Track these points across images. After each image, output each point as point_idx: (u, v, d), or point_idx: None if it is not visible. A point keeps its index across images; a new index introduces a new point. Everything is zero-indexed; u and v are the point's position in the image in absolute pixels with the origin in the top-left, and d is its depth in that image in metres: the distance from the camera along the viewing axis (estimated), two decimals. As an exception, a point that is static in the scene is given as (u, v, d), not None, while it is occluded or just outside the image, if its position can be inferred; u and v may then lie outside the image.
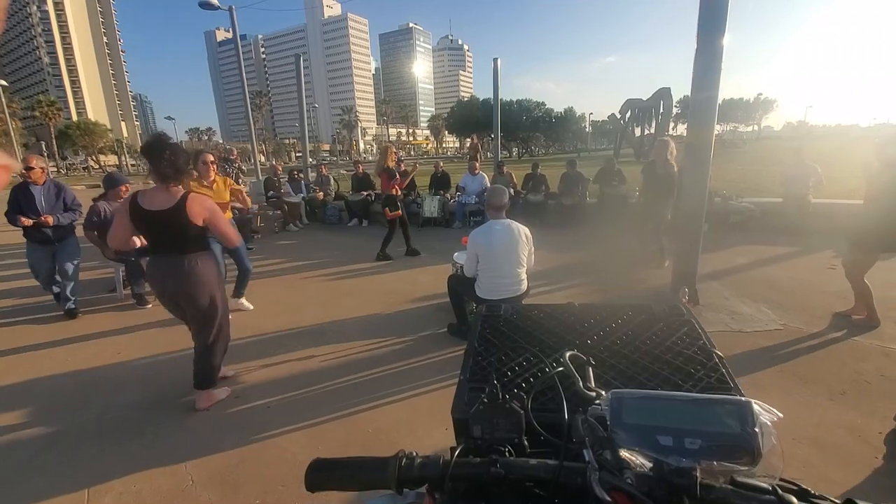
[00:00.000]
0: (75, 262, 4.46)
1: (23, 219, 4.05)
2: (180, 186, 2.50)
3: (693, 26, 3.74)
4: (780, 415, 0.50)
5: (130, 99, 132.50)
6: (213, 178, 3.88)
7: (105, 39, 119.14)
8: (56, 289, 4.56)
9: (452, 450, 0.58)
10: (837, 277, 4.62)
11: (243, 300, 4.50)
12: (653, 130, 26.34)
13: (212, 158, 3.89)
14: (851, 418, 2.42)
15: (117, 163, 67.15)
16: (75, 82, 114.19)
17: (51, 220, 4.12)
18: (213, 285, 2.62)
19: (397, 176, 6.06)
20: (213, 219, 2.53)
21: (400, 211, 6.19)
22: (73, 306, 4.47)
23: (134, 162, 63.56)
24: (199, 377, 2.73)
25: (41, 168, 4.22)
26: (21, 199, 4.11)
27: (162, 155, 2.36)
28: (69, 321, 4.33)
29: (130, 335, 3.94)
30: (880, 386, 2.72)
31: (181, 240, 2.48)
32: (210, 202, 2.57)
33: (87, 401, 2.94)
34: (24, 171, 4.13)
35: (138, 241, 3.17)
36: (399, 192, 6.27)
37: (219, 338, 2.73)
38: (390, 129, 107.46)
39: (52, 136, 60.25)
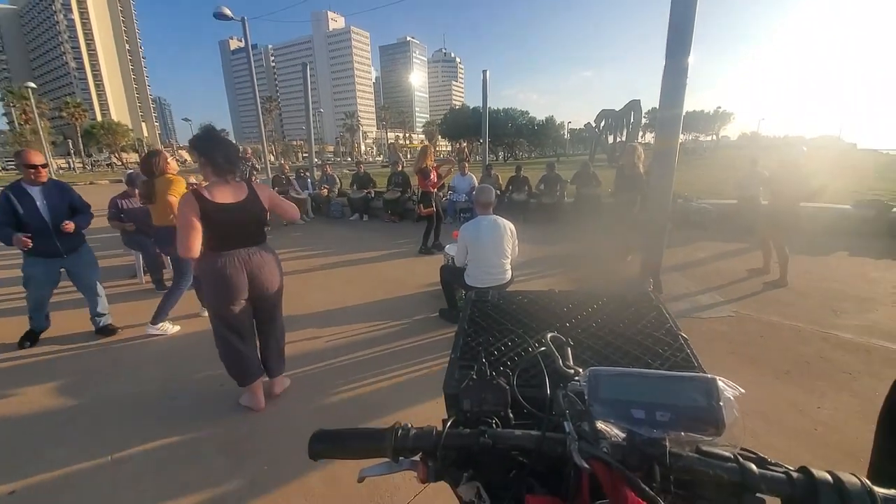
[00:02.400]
0: (98, 272, 3.52)
1: (23, 238, 2.90)
2: (234, 178, 2.23)
3: (661, 45, 3.73)
4: (743, 390, 0.50)
5: (150, 101, 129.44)
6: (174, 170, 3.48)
7: (127, 46, 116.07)
8: (46, 322, 3.44)
9: (444, 422, 0.57)
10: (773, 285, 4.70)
11: (165, 323, 3.56)
12: (624, 138, 26.46)
13: (166, 156, 3.49)
14: (794, 394, 2.47)
15: (138, 160, 65.71)
16: (99, 85, 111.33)
17: (71, 226, 3.11)
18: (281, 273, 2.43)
19: (432, 175, 5.94)
20: (276, 199, 2.38)
21: (433, 208, 5.97)
22: (108, 322, 3.56)
23: (155, 160, 62.20)
24: (278, 362, 2.54)
25: (45, 165, 3.12)
26: (16, 206, 2.94)
27: (217, 148, 2.12)
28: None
29: (150, 317, 3.87)
30: (819, 366, 2.78)
31: (257, 230, 2.27)
32: (267, 186, 2.42)
33: (110, 376, 2.89)
34: (29, 170, 2.98)
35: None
36: (434, 191, 6.10)
37: (282, 330, 2.58)
38: (389, 133, 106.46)
39: (79, 135, 58.70)
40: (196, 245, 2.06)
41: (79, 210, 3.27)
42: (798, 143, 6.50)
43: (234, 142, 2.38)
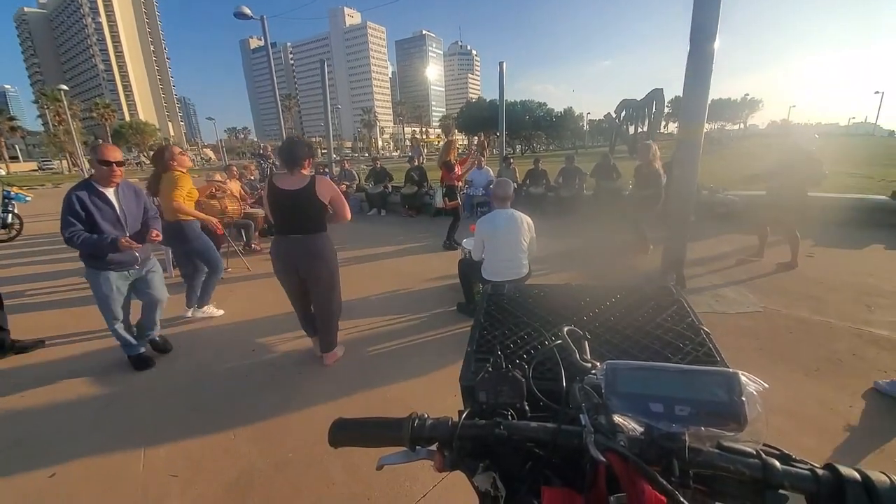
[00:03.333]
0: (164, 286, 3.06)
1: (126, 241, 2.49)
2: (305, 172, 2.58)
3: (684, 31, 3.60)
4: (766, 385, 0.48)
5: (175, 101, 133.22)
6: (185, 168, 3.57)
7: (152, 47, 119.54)
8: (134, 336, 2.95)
9: (460, 413, 0.58)
10: (814, 264, 4.52)
11: (210, 307, 3.84)
12: (646, 128, 25.72)
13: (179, 150, 3.59)
14: (824, 392, 2.38)
15: (165, 159, 67.73)
16: (127, 86, 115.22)
17: (158, 235, 2.81)
18: (334, 261, 2.72)
19: (456, 169, 5.91)
20: (336, 197, 2.61)
21: (458, 201, 5.93)
22: (159, 338, 3.20)
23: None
24: (325, 342, 2.88)
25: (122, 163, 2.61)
26: (92, 209, 2.48)
27: (283, 148, 2.60)
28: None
29: (180, 309, 4.01)
30: (851, 364, 2.66)
31: (309, 218, 2.55)
32: (331, 184, 2.63)
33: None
34: (103, 167, 2.50)
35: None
36: (459, 184, 6.04)
37: (336, 309, 2.84)
38: (406, 128, 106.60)
39: (108, 134, 61.01)
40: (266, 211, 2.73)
41: (151, 216, 2.86)
42: (810, 130, 6.26)
43: (299, 141, 2.67)
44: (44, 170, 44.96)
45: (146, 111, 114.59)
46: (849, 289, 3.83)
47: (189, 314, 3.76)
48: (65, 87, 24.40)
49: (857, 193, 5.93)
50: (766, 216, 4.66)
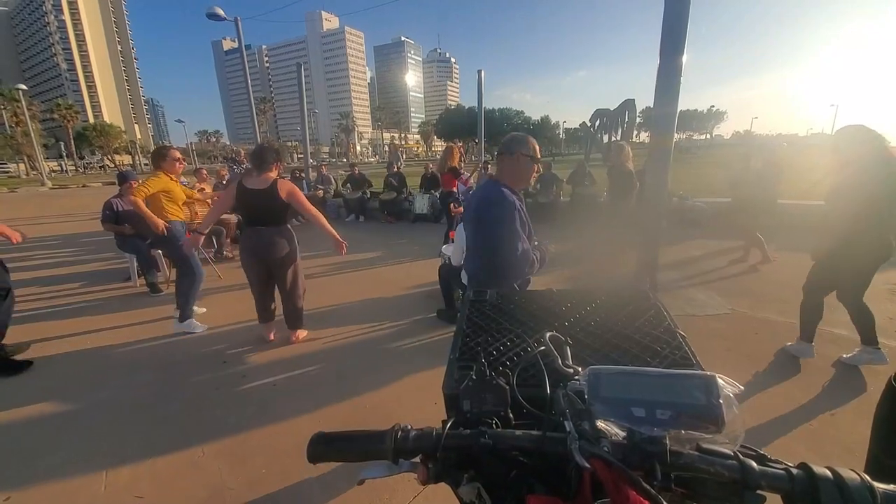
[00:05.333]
0: None
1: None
2: (271, 174, 2.98)
3: (655, 44, 3.75)
4: (742, 387, 0.50)
5: (143, 103, 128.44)
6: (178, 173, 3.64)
7: (119, 47, 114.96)
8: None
9: (444, 423, 0.57)
10: (778, 267, 4.74)
11: (193, 321, 3.58)
12: (619, 137, 26.58)
13: (179, 156, 3.57)
14: (790, 391, 2.49)
15: (131, 162, 65.24)
16: (91, 87, 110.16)
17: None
18: (295, 248, 3.10)
19: (462, 175, 5.82)
20: (295, 194, 2.98)
21: (462, 208, 5.95)
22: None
23: (147, 161, 61.88)
24: (292, 319, 3.25)
25: None
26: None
27: (254, 152, 3.03)
28: (83, 306, 4.21)
29: (144, 320, 3.84)
30: (814, 362, 2.80)
31: (272, 213, 2.95)
32: (292, 185, 3.01)
33: (104, 381, 2.86)
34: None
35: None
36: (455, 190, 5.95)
37: (300, 290, 3.21)
38: (384, 134, 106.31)
39: (70, 137, 58.14)
40: (220, 207, 3.19)
41: None
42: (779, 140, 6.83)
43: (267, 145, 3.15)
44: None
45: (111, 113, 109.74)
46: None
47: (178, 326, 3.53)
48: (23, 86, 23.14)
49: (818, 200, 6.28)
50: (737, 221, 5.09)
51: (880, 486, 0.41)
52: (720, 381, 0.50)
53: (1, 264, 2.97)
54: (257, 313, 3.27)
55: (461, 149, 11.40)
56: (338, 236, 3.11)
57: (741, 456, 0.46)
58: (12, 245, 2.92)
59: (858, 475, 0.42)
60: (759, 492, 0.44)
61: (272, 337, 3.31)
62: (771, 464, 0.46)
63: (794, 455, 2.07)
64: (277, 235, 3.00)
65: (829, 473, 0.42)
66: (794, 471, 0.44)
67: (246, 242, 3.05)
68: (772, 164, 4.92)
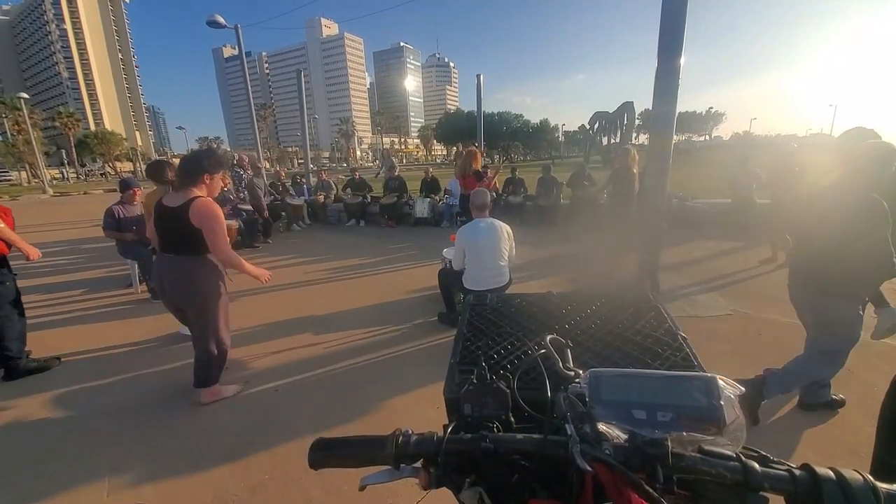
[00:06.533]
0: None
1: None
2: (195, 189, 2.33)
3: (653, 47, 3.77)
4: (743, 389, 0.50)
5: (144, 110, 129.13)
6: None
7: (120, 55, 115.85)
8: None
9: (445, 427, 0.57)
10: (781, 268, 4.73)
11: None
12: (618, 139, 26.64)
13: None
14: (792, 392, 2.47)
15: (132, 169, 65.48)
16: (92, 95, 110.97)
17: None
18: (210, 288, 2.40)
19: (485, 178, 5.79)
20: (210, 227, 2.25)
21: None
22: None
23: (148, 167, 62.07)
24: (197, 372, 2.54)
25: None
26: None
27: (179, 167, 2.50)
28: (85, 313, 4.22)
29: (146, 326, 3.84)
30: (817, 362, 2.78)
31: (179, 239, 2.31)
32: (215, 210, 2.30)
33: (106, 387, 2.86)
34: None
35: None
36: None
37: (215, 337, 2.48)
38: (384, 139, 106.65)
39: (72, 144, 58.41)
40: (149, 228, 2.60)
41: None
42: (788, 141, 6.77)
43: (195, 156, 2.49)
44: (1, 181, 42.54)
45: (112, 120, 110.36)
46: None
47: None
48: (25, 95, 23.29)
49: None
50: (769, 229, 5.04)
51: (884, 486, 0.41)
52: (721, 382, 0.50)
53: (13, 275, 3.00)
54: None
55: (462, 153, 11.45)
56: (256, 272, 2.50)
57: (743, 457, 0.45)
58: (28, 262, 2.97)
59: (862, 476, 0.41)
60: (761, 493, 0.44)
61: (206, 397, 2.58)
62: (773, 465, 0.46)
63: (797, 457, 2.06)
64: (184, 267, 2.35)
65: (832, 474, 0.42)
66: (797, 472, 0.44)
67: (154, 269, 2.52)
68: (791, 164, 4.93)
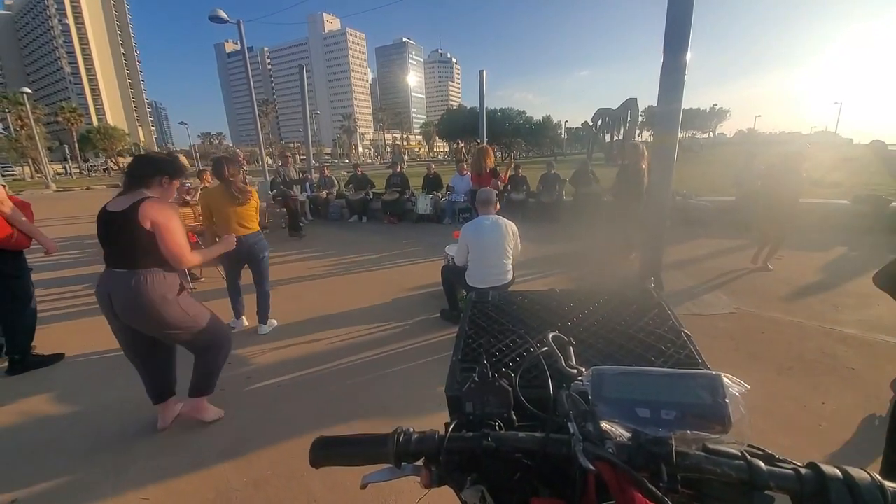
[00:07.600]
0: None
1: None
2: (146, 191, 2.00)
3: (655, 45, 3.73)
4: (748, 387, 0.49)
5: (147, 105, 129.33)
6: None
7: (122, 50, 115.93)
8: None
9: (446, 425, 0.57)
10: (782, 266, 4.71)
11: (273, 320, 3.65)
12: (621, 136, 26.51)
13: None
14: (797, 391, 2.47)
15: (135, 165, 65.49)
16: (95, 90, 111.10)
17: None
18: (169, 306, 1.99)
19: (501, 175, 5.75)
20: (163, 226, 1.92)
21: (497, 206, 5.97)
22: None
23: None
24: (194, 386, 2.29)
25: None
26: None
27: (129, 166, 2.09)
28: (88, 308, 4.23)
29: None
30: (822, 362, 2.77)
31: (124, 249, 1.93)
32: (169, 210, 1.97)
33: (110, 382, 2.87)
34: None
35: None
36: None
37: (217, 347, 2.26)
38: (386, 134, 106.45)
39: (75, 139, 58.62)
40: None
41: None
42: (798, 138, 6.66)
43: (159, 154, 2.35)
44: (4, 176, 42.66)
45: (115, 115, 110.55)
46: (816, 290, 4.01)
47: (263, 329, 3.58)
48: (28, 90, 23.36)
49: (820, 199, 6.25)
50: (762, 224, 4.80)
51: (891, 485, 0.40)
52: (726, 380, 0.49)
53: (28, 269, 3.02)
54: (146, 391, 2.29)
55: (463, 149, 11.41)
56: (221, 246, 2.37)
57: (748, 456, 0.45)
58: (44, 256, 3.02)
59: (869, 474, 0.41)
60: (767, 492, 0.44)
61: (164, 423, 2.31)
62: (779, 464, 0.46)
63: (803, 456, 2.04)
64: (129, 283, 1.92)
65: (838, 473, 0.41)
66: (803, 470, 0.43)
67: (96, 290, 2.02)
68: (789, 161, 4.82)
